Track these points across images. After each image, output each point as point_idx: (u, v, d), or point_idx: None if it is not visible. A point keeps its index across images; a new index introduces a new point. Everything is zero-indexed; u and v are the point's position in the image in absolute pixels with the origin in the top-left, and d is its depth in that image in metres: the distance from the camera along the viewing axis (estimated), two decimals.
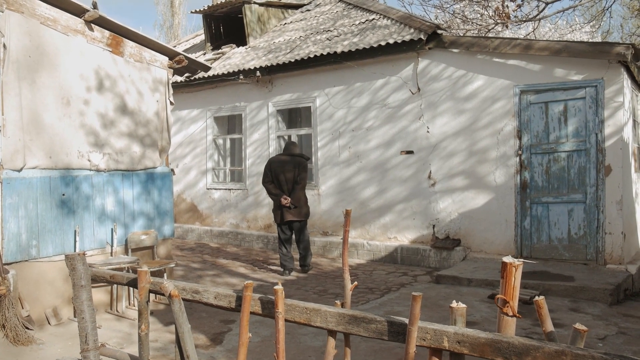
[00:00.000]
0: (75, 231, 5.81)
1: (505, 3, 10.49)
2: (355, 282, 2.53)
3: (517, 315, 1.88)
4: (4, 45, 5.17)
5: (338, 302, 2.36)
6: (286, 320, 2.35)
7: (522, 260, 1.89)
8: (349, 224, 2.47)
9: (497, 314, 1.94)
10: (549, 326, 1.92)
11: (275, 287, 2.30)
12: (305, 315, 2.30)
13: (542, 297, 1.95)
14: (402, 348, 4.60)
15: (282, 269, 8.11)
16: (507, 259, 1.88)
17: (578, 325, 1.84)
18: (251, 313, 2.44)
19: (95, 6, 5.81)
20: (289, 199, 7.85)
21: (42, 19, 5.51)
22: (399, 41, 8.58)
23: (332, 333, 2.32)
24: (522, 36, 14.93)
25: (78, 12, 5.81)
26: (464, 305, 2.00)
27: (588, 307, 5.95)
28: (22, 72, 5.30)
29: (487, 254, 8.01)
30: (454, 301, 2.02)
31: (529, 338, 1.90)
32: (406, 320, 2.05)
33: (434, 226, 8.59)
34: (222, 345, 4.98)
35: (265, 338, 5.03)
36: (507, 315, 1.89)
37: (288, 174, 7.90)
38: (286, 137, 10.66)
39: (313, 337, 5.04)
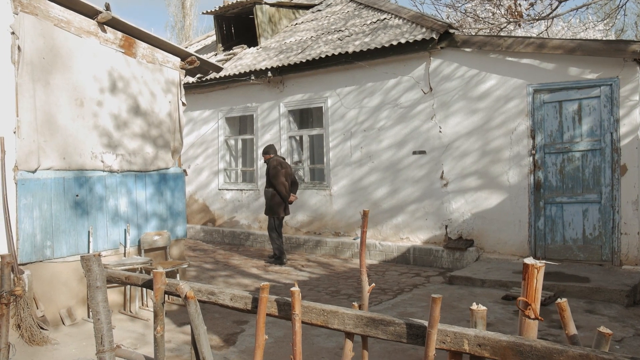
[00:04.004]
0: (89, 232, 5.83)
1: (518, 1, 10.40)
2: (373, 284, 2.50)
3: (539, 317, 1.85)
4: (19, 47, 5.20)
5: (355, 304, 2.34)
6: (302, 322, 2.33)
7: (544, 262, 1.86)
8: (366, 224, 2.45)
9: (519, 317, 1.91)
10: (572, 329, 1.89)
11: (292, 289, 2.28)
12: (323, 317, 2.28)
13: (564, 299, 1.92)
14: (416, 349, 4.59)
15: (280, 259, 8.92)
16: (529, 261, 1.84)
17: (602, 329, 1.80)
18: (267, 315, 2.42)
19: (108, 8, 5.83)
20: (296, 197, 9.16)
21: (56, 20, 5.54)
22: (411, 41, 8.54)
23: (349, 335, 2.30)
24: (534, 35, 14.81)
25: (91, 13, 5.84)
26: (484, 308, 1.97)
27: (604, 309, 5.88)
28: (36, 74, 5.33)
29: (500, 255, 7.95)
30: (474, 303, 1.99)
31: (546, 340, 1.87)
32: (425, 323, 2.02)
33: (446, 227, 8.54)
34: (235, 346, 4.98)
35: (278, 339, 5.02)
36: (529, 317, 1.86)
37: (288, 175, 8.98)
38: (298, 138, 10.66)
39: (326, 338, 5.02)
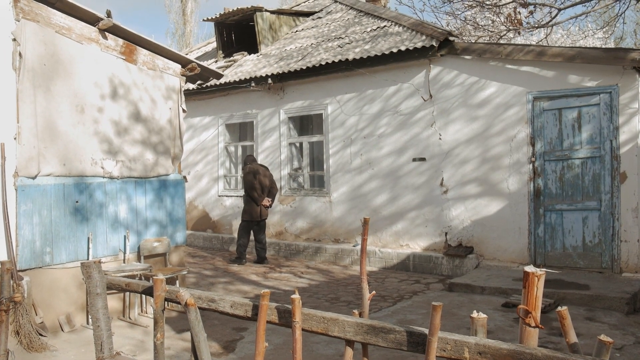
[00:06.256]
0: (88, 238, 5.83)
1: (517, 9, 10.44)
2: (374, 292, 2.50)
3: (540, 326, 1.85)
4: (20, 54, 5.21)
5: (356, 311, 2.34)
6: (303, 330, 2.33)
7: (544, 269, 1.86)
8: (367, 232, 2.45)
9: (519, 325, 1.91)
10: (573, 337, 1.89)
11: (293, 297, 2.28)
12: (323, 324, 2.28)
13: (564, 307, 1.92)
14: (415, 357, 4.57)
15: (240, 259, 9.49)
16: (530, 269, 1.84)
17: (603, 337, 1.80)
18: (267, 322, 2.42)
19: (109, 15, 5.85)
20: (270, 201, 9.52)
21: (57, 27, 5.56)
22: (411, 48, 8.56)
23: (349, 343, 2.30)
24: (534, 43, 14.86)
25: (92, 20, 5.86)
26: (485, 316, 1.97)
27: (604, 316, 5.86)
28: (37, 80, 5.34)
29: (500, 262, 7.94)
30: (475, 311, 1.99)
31: (547, 348, 1.86)
32: (426, 331, 2.02)
33: (446, 234, 8.53)
34: (234, 353, 4.96)
35: (278, 346, 5.01)
36: (530, 326, 1.86)
37: (265, 181, 9.45)
38: (298, 145, 10.67)
39: (325, 346, 5.01)
